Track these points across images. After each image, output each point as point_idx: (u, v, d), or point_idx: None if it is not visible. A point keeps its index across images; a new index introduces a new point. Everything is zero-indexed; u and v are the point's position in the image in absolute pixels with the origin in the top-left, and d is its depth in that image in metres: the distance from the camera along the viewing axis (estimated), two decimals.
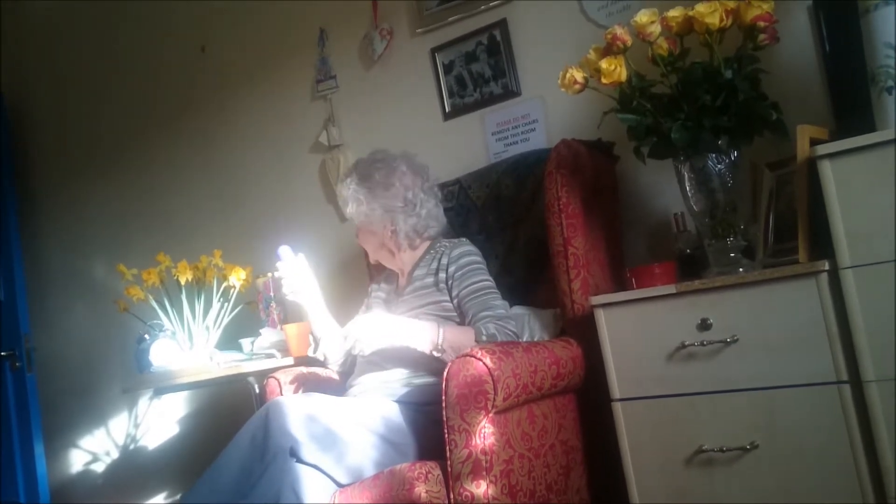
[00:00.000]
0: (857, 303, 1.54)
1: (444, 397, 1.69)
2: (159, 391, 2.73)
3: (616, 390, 1.84)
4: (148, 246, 3.19)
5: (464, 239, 2.19)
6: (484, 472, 1.65)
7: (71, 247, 3.73)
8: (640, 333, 1.80)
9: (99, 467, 3.64)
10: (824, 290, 1.58)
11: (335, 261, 2.88)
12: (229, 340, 2.67)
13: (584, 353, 1.97)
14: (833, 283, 1.57)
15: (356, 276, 2.74)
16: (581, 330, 1.98)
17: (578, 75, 1.85)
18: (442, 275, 2.09)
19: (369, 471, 1.78)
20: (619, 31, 1.81)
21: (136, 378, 2.72)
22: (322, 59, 2.95)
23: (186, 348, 2.62)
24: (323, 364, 2.27)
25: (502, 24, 2.54)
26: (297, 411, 1.75)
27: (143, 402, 3.48)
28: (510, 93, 2.55)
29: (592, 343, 1.89)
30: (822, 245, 1.61)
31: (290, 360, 2.43)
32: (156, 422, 3.46)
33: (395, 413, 1.90)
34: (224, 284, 2.65)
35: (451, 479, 1.67)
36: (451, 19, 2.64)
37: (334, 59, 2.92)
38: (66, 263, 3.74)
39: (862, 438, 1.55)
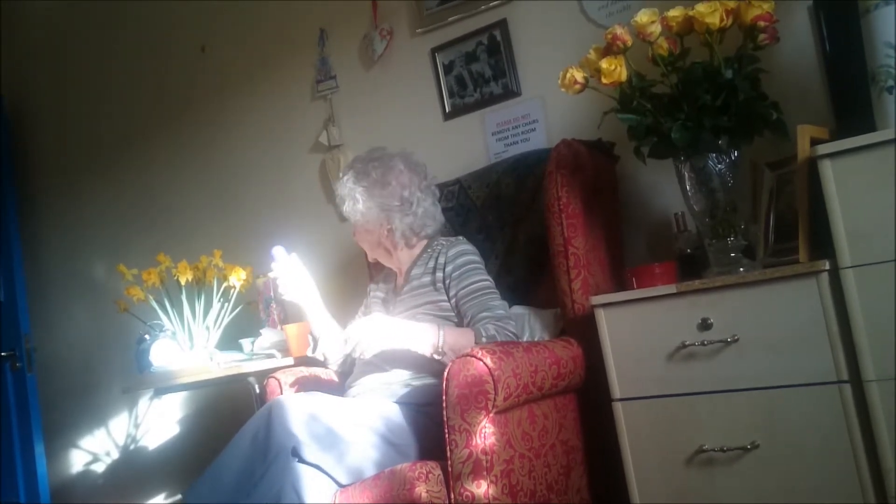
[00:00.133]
0: (857, 302, 1.54)
1: (444, 397, 1.69)
2: (159, 391, 2.73)
3: (616, 390, 1.84)
4: (148, 246, 3.20)
5: (461, 237, 2.19)
6: (484, 472, 1.65)
7: (71, 247, 3.73)
8: (641, 333, 1.80)
9: (99, 467, 3.64)
10: (825, 289, 1.58)
11: (335, 261, 2.88)
12: (229, 341, 2.68)
13: (585, 352, 1.97)
14: (833, 282, 1.57)
15: (356, 276, 2.74)
16: (581, 330, 1.98)
17: (579, 75, 1.85)
18: (439, 274, 2.08)
19: (370, 471, 1.78)
20: (620, 30, 1.80)
21: (136, 378, 2.73)
22: (322, 59, 2.95)
23: (187, 348, 2.62)
24: (322, 364, 2.27)
25: (502, 24, 2.54)
26: (299, 410, 1.75)
27: (144, 402, 3.48)
28: (510, 93, 2.55)
29: (593, 343, 1.89)
30: (823, 245, 1.61)
31: (290, 361, 2.44)
32: (156, 422, 3.46)
33: (395, 413, 1.90)
34: (224, 284, 2.65)
35: (451, 479, 1.66)
36: (451, 19, 2.64)
37: (334, 59, 2.93)
38: (67, 263, 3.74)
39: (862, 438, 1.55)
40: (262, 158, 3.15)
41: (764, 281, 1.65)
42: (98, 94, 3.66)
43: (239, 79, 3.18)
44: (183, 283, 2.65)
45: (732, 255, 1.77)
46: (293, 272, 2.14)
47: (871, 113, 1.62)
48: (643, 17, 1.76)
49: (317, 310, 2.19)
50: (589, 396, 1.99)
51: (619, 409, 1.83)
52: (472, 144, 2.61)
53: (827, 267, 1.58)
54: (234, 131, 3.22)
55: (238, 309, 2.70)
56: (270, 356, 2.49)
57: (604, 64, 1.77)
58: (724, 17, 1.70)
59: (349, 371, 2.18)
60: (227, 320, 2.67)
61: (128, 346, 2.92)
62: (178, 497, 3.31)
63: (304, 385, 2.22)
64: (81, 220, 3.70)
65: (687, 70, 1.74)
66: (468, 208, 2.40)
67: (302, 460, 1.69)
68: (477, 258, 2.11)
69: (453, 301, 2.05)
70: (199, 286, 2.68)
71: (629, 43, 1.80)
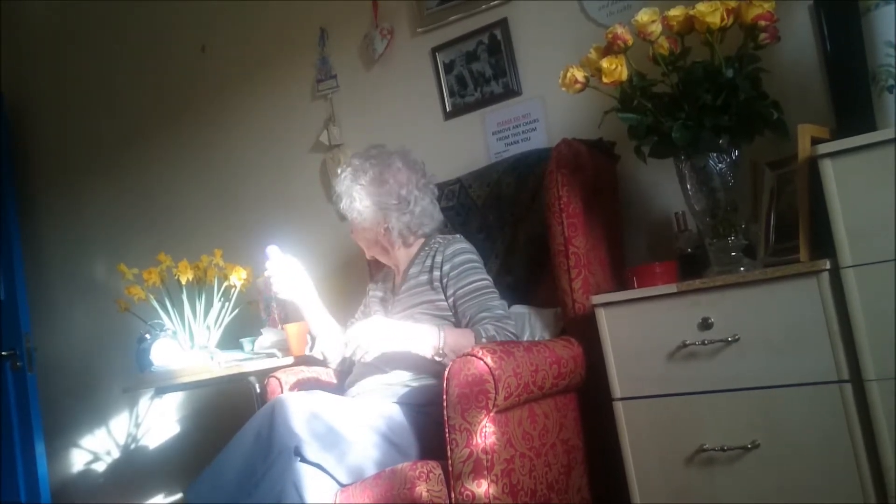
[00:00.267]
0: (857, 302, 1.54)
1: (445, 396, 1.69)
2: (160, 391, 2.73)
3: (617, 389, 1.84)
4: (148, 245, 3.20)
5: (458, 235, 2.18)
6: (485, 472, 1.65)
7: (71, 246, 3.73)
8: (641, 333, 1.80)
9: (100, 467, 3.64)
10: (825, 289, 1.58)
11: (335, 260, 2.88)
12: (230, 340, 2.68)
13: (585, 352, 1.97)
14: (834, 282, 1.57)
15: (356, 276, 2.74)
16: (582, 329, 1.98)
17: (579, 75, 1.85)
18: (436, 273, 2.07)
19: (370, 470, 1.78)
20: (620, 30, 1.80)
21: (136, 378, 2.72)
22: (322, 59, 2.95)
23: (187, 348, 2.62)
24: (322, 363, 2.27)
25: (503, 24, 2.54)
26: (301, 409, 1.75)
27: (144, 401, 3.48)
28: (511, 92, 2.55)
29: (593, 342, 1.89)
30: (823, 244, 1.61)
31: (290, 360, 2.44)
32: (156, 421, 3.46)
33: (396, 413, 1.90)
34: (225, 284, 2.65)
35: (452, 479, 1.66)
36: (451, 19, 2.64)
37: (335, 58, 2.93)
38: (67, 263, 3.74)
39: (863, 437, 1.55)
40: (263, 158, 3.15)
41: (764, 280, 1.65)
42: (98, 94, 3.66)
43: (239, 79, 3.18)
44: (183, 282, 2.66)
45: (733, 254, 1.77)
46: (287, 270, 2.13)
47: (871, 112, 1.62)
48: (644, 16, 1.76)
49: (314, 308, 2.19)
50: (589, 396, 1.99)
51: (619, 408, 1.83)
52: (473, 144, 2.61)
53: (827, 266, 1.58)
54: (234, 131, 3.22)
55: (238, 308, 2.70)
56: (271, 356, 2.49)
57: (604, 63, 1.77)
58: (725, 16, 1.70)
59: (348, 370, 2.18)
60: (227, 320, 2.68)
61: (128, 346, 2.92)
62: (179, 496, 3.31)
63: (304, 387, 2.21)
64: (81, 220, 3.70)
65: (687, 69, 1.75)
66: (469, 208, 2.40)
67: (304, 459, 1.69)
68: (475, 257, 2.10)
69: (451, 300, 2.04)
70: (200, 285, 2.68)
71: (630, 42, 1.80)
